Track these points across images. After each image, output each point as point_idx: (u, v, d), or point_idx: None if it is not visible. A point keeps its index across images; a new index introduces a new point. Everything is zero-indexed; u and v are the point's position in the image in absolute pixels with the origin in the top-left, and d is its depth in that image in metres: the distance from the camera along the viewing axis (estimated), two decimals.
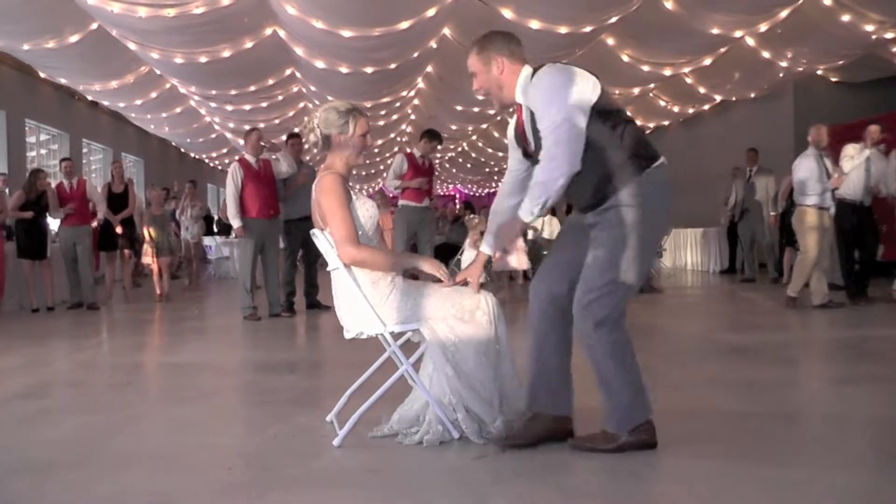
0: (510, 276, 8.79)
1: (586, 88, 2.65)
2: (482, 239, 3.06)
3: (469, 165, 25.82)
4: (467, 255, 8.15)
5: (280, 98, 13.27)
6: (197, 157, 22.49)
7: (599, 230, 2.72)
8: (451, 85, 13.05)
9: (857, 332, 6.04)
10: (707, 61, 11.19)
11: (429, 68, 12.39)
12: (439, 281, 3.05)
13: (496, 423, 2.90)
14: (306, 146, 7.93)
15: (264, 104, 13.49)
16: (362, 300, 2.94)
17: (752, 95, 13.57)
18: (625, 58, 10.94)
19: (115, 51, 9.90)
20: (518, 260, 8.52)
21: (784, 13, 9.08)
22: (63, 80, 12.06)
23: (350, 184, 3.12)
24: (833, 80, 12.70)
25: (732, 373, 4.38)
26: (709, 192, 13.16)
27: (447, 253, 10.62)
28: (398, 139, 19.03)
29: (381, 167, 24.04)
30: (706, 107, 15.18)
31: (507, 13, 8.75)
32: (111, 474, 2.70)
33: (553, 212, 11.09)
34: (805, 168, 7.23)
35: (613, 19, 9.09)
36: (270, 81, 12.06)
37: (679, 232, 14.11)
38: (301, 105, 14.04)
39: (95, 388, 4.44)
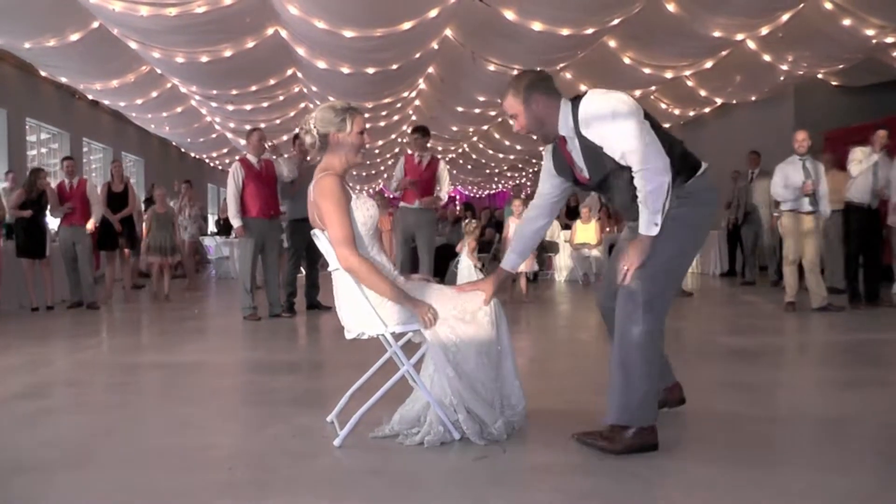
0: (513, 277, 8.77)
1: (634, 103, 2.78)
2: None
3: (469, 167, 25.83)
4: (464, 263, 8.16)
5: (281, 98, 13.26)
6: (197, 156, 22.50)
7: None
8: (452, 86, 13.06)
9: (857, 335, 6.03)
10: (708, 64, 11.20)
11: (430, 69, 12.40)
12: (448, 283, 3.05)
13: (497, 424, 2.90)
14: (302, 147, 7.91)
15: (265, 104, 13.49)
16: (363, 301, 2.94)
17: (753, 99, 13.57)
18: (626, 60, 10.94)
19: (116, 50, 9.89)
20: (525, 262, 8.48)
21: (785, 17, 9.09)
22: (64, 79, 12.06)
23: (350, 185, 3.12)
24: (833, 83, 12.70)
25: (732, 375, 4.38)
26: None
27: (447, 254, 10.62)
28: (399, 140, 19.03)
29: (382, 168, 24.05)
30: (707, 110, 15.19)
31: (510, 14, 8.75)
32: (111, 474, 2.70)
33: None
34: (780, 174, 7.38)
35: (615, 21, 9.09)
36: (272, 81, 12.05)
37: None
38: (302, 105, 14.04)
39: (95, 387, 4.44)
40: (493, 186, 33.83)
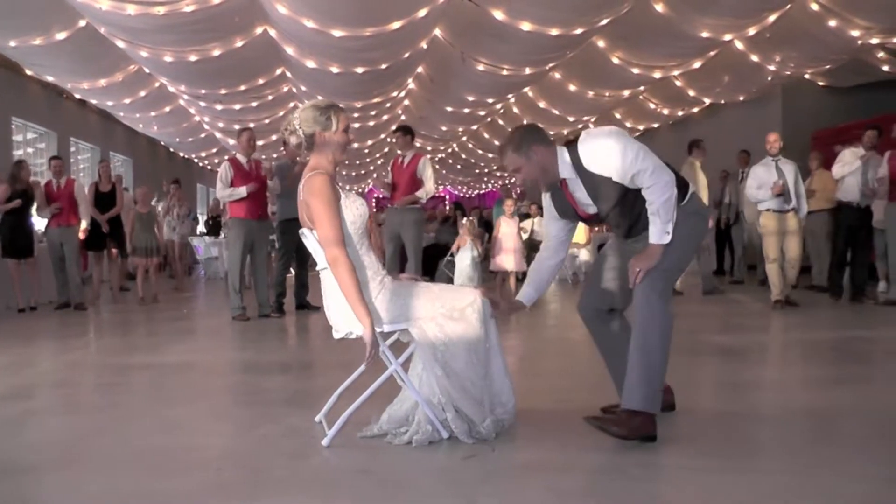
0: (503, 277, 8.80)
1: (625, 132, 3.03)
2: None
3: (459, 167, 25.83)
4: (463, 255, 8.34)
5: (270, 98, 13.21)
6: (186, 156, 22.38)
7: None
8: (441, 86, 13.05)
9: (844, 333, 6.08)
10: (697, 64, 11.24)
11: (419, 69, 12.39)
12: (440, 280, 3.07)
13: (486, 423, 2.91)
14: (291, 149, 7.85)
15: (254, 104, 13.43)
16: None
17: (741, 98, 13.64)
18: (615, 60, 10.97)
19: (103, 49, 9.81)
20: (514, 262, 8.55)
21: (772, 17, 9.14)
22: (50, 78, 11.97)
23: (340, 184, 3.12)
24: (820, 84, 12.79)
25: (720, 373, 4.41)
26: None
27: (436, 253, 10.63)
28: (388, 140, 19.00)
29: (372, 167, 24.01)
30: (696, 110, 15.25)
31: (499, 14, 8.75)
32: (98, 476, 2.68)
33: (541, 212, 11.10)
34: (753, 175, 7.55)
35: (604, 22, 9.11)
36: (261, 81, 12.00)
37: None
38: (291, 105, 13.98)
39: (82, 388, 4.41)
40: (483, 186, 33.85)
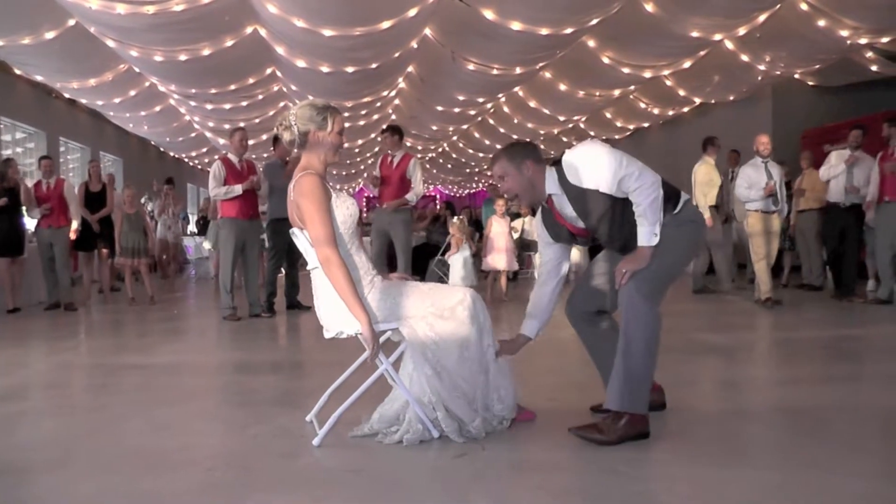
0: (494, 276, 8.82)
1: (606, 144, 3.08)
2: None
3: (450, 166, 25.84)
4: (458, 256, 8.36)
5: (260, 97, 13.19)
6: (177, 156, 22.31)
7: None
8: (431, 85, 13.06)
9: (833, 331, 6.12)
10: (687, 64, 11.28)
11: (410, 68, 12.39)
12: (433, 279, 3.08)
13: (475, 423, 2.92)
14: (282, 149, 7.83)
15: (244, 103, 13.40)
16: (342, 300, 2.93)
17: (732, 98, 13.70)
18: (605, 60, 11.00)
19: (93, 48, 9.77)
20: (506, 261, 8.58)
21: (762, 17, 9.19)
22: (39, 77, 11.90)
23: (331, 184, 3.12)
24: (810, 83, 12.86)
25: (712, 372, 4.43)
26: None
27: (426, 253, 10.62)
28: (378, 139, 18.98)
29: (362, 167, 23.97)
30: (686, 109, 15.31)
31: (489, 14, 8.76)
32: (90, 476, 2.68)
33: (533, 212, 11.12)
34: (743, 175, 7.63)
35: (594, 21, 9.14)
36: (251, 80, 11.98)
37: None
38: (282, 104, 13.96)
39: (74, 389, 4.40)
40: (473, 185, 33.88)
